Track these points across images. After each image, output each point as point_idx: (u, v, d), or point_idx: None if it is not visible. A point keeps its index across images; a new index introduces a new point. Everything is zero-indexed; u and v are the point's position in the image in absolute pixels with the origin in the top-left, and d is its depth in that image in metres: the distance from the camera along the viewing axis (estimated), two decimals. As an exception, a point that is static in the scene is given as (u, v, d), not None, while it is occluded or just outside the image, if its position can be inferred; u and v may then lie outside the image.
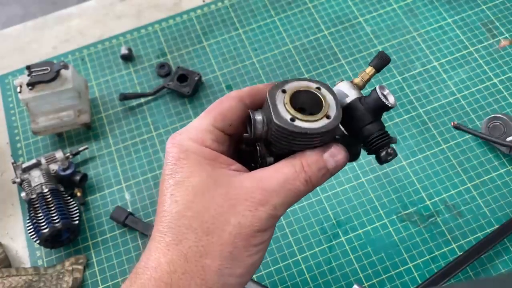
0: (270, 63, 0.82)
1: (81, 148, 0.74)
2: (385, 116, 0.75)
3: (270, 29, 0.85)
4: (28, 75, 0.72)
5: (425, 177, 0.70)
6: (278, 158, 0.40)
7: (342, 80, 0.43)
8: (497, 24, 0.82)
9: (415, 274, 0.64)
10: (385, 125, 0.75)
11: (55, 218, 0.65)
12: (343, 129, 0.41)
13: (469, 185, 0.69)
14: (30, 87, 0.71)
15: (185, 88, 0.78)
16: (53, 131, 0.76)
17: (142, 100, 0.80)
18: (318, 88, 0.40)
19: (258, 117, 0.39)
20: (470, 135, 0.72)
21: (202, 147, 0.40)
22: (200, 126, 0.41)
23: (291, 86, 0.40)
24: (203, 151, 0.40)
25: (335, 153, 0.40)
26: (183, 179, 0.39)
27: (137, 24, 0.88)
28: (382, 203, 0.68)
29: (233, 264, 0.38)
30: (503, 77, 0.77)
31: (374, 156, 0.42)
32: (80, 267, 0.67)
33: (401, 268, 0.64)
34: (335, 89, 0.42)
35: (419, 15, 0.84)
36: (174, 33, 0.86)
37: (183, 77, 0.79)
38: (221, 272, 0.37)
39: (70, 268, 0.67)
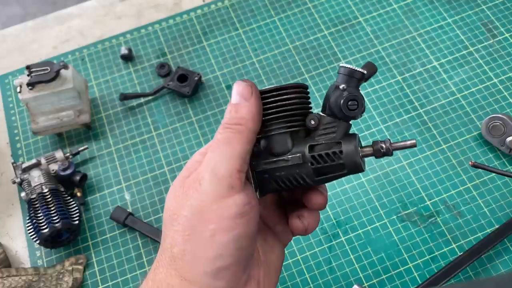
0: (270, 63, 0.82)
1: (81, 148, 0.74)
2: (385, 116, 0.75)
3: (270, 29, 0.85)
4: (28, 75, 0.72)
5: (425, 177, 0.70)
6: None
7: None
8: (497, 24, 0.82)
9: (415, 274, 0.64)
10: (385, 125, 0.75)
11: (55, 218, 0.65)
12: (324, 114, 0.41)
13: (469, 185, 0.69)
14: (30, 87, 0.71)
15: (185, 88, 0.78)
16: (53, 131, 0.76)
17: (142, 100, 0.80)
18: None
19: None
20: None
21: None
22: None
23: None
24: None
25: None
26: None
27: (137, 24, 0.88)
28: (382, 203, 0.68)
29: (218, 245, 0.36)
30: (503, 77, 0.77)
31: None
32: (80, 267, 0.67)
33: (401, 268, 0.64)
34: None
35: (419, 15, 0.84)
36: (174, 33, 0.86)
37: (183, 77, 0.79)
38: (214, 259, 0.36)
39: (70, 268, 0.67)
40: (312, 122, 0.40)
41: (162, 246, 0.38)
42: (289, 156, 0.39)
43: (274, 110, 0.40)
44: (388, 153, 0.40)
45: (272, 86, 0.41)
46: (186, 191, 0.37)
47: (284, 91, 0.40)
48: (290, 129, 0.40)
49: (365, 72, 0.40)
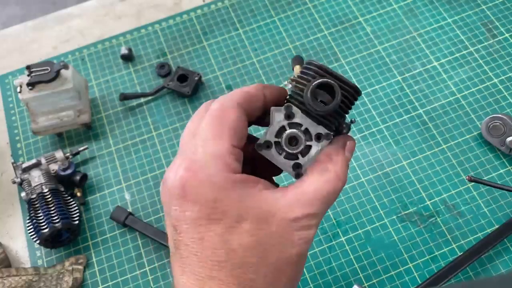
0: (270, 63, 0.82)
1: (81, 148, 0.74)
2: (385, 116, 0.75)
3: (270, 29, 0.85)
4: (28, 75, 0.72)
5: (425, 177, 0.70)
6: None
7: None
8: (497, 24, 0.82)
9: (415, 274, 0.64)
10: (385, 125, 0.75)
11: (55, 218, 0.65)
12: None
13: (469, 185, 0.69)
14: (30, 87, 0.71)
15: (185, 88, 0.78)
16: (53, 131, 0.76)
17: (142, 100, 0.80)
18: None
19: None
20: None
21: (230, 175, 0.35)
22: (221, 151, 0.36)
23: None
24: (234, 181, 0.36)
25: (351, 147, 0.40)
26: (233, 224, 0.35)
27: (137, 24, 0.88)
28: (382, 203, 0.68)
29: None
30: (503, 77, 0.77)
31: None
32: (80, 267, 0.67)
33: (401, 268, 0.64)
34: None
35: (419, 15, 0.84)
36: (174, 33, 0.86)
37: (183, 77, 0.79)
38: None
39: (70, 268, 0.67)
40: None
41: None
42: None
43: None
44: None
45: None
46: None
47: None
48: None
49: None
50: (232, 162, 0.36)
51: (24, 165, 0.71)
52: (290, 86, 0.40)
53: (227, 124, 0.37)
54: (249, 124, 0.40)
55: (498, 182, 0.68)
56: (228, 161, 0.36)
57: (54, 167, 0.71)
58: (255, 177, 0.37)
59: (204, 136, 0.37)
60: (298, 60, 0.43)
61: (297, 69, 0.44)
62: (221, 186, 0.35)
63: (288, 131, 0.38)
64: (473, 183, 0.68)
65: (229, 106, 0.37)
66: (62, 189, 0.69)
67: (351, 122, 0.42)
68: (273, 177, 0.44)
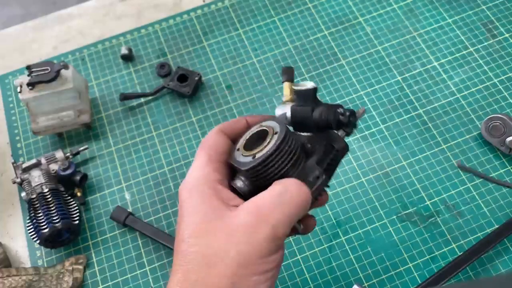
0: (270, 63, 0.82)
1: (81, 148, 0.74)
2: (385, 116, 0.75)
3: (270, 29, 0.85)
4: (28, 75, 0.72)
5: (425, 177, 0.70)
6: None
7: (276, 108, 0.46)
8: (497, 24, 0.82)
9: (415, 274, 0.64)
10: (385, 125, 0.75)
11: (55, 218, 0.65)
12: (305, 134, 0.44)
13: (469, 185, 0.69)
14: (30, 87, 0.71)
15: (185, 88, 0.78)
16: (53, 131, 0.76)
17: (142, 100, 0.80)
18: (260, 126, 0.44)
19: (239, 183, 0.42)
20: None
21: (205, 181, 0.41)
22: (200, 163, 0.43)
23: (241, 140, 0.44)
24: (206, 185, 0.41)
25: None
26: (189, 218, 0.40)
27: (137, 24, 0.88)
28: (382, 203, 0.68)
29: None
30: (503, 77, 0.77)
31: (347, 134, 0.44)
32: (80, 267, 0.67)
33: (401, 268, 0.64)
34: (277, 116, 0.46)
35: (419, 15, 0.84)
36: (174, 33, 0.86)
37: (183, 77, 0.79)
38: None
39: (70, 268, 0.67)
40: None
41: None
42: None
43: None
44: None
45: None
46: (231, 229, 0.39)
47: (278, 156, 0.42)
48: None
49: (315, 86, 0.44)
50: (208, 172, 0.42)
51: (24, 165, 0.71)
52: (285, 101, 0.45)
53: (206, 146, 0.44)
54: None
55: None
56: (203, 171, 0.42)
57: (54, 167, 0.71)
58: (229, 193, 0.42)
59: (194, 159, 0.45)
60: (288, 73, 0.46)
61: (287, 86, 0.46)
62: (188, 188, 0.42)
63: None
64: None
65: (211, 133, 0.45)
66: (62, 189, 0.69)
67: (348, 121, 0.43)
68: None
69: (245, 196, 0.42)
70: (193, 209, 0.40)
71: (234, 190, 0.42)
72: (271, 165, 0.41)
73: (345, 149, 0.44)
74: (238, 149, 0.43)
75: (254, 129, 0.44)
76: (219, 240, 0.38)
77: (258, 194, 0.40)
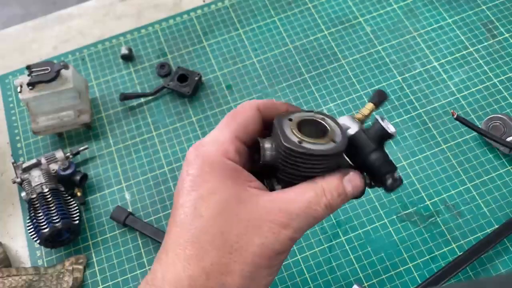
0: (270, 63, 0.82)
1: (81, 148, 0.74)
2: (385, 116, 0.75)
3: (270, 29, 0.85)
4: (28, 75, 0.72)
5: (425, 177, 0.70)
6: (287, 186, 0.41)
7: (343, 115, 0.44)
8: (497, 24, 0.82)
9: (415, 274, 0.64)
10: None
11: (55, 218, 0.65)
12: (348, 159, 0.42)
13: (469, 185, 0.69)
14: (30, 87, 0.71)
15: (185, 88, 0.78)
16: (53, 131, 0.76)
17: (142, 100, 0.80)
18: (323, 118, 0.42)
19: (267, 143, 0.40)
20: (470, 136, 0.72)
21: (226, 160, 0.39)
22: (223, 137, 0.40)
23: (297, 116, 0.41)
24: (227, 165, 0.39)
25: (353, 179, 0.41)
26: (208, 194, 0.38)
27: (137, 24, 0.88)
28: (382, 203, 0.68)
29: (252, 284, 0.38)
30: (503, 77, 0.77)
31: (381, 187, 0.42)
32: (80, 267, 0.67)
33: (401, 268, 0.64)
34: (339, 122, 0.43)
35: (419, 15, 0.84)
36: (174, 33, 0.86)
37: (183, 77, 0.79)
38: None
39: (70, 268, 0.67)
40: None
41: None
42: None
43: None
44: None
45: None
46: None
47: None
48: None
49: (394, 134, 0.42)
50: (229, 150, 0.40)
51: (24, 165, 0.71)
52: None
53: (237, 119, 0.41)
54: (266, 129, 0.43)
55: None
56: (227, 147, 0.40)
57: (54, 167, 0.71)
58: (249, 174, 0.40)
59: (216, 127, 0.42)
60: (379, 97, 0.44)
61: (369, 108, 0.44)
62: (209, 161, 0.39)
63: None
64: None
65: (246, 106, 0.42)
66: (62, 189, 0.69)
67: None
68: None
69: (258, 167, 0.40)
70: (212, 185, 0.38)
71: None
72: (310, 164, 0.39)
73: (361, 194, 0.43)
74: (290, 119, 0.41)
75: (310, 116, 0.42)
76: (242, 227, 0.37)
77: (288, 192, 0.39)
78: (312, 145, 0.39)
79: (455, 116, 0.60)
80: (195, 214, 0.38)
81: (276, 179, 0.41)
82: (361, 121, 0.44)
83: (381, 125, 0.41)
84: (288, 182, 0.41)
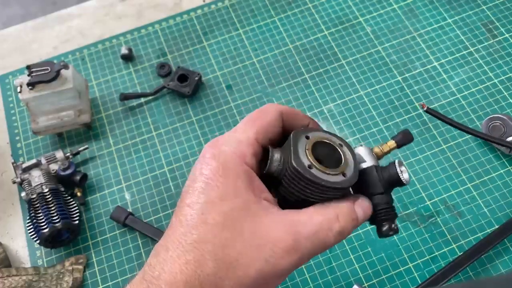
0: (270, 63, 0.82)
1: (81, 148, 0.74)
2: (385, 116, 0.75)
3: (270, 29, 0.85)
4: (28, 75, 0.72)
5: (425, 177, 0.70)
6: (284, 200, 0.40)
7: (361, 145, 0.43)
8: (497, 24, 0.82)
9: (415, 274, 0.64)
10: (386, 125, 0.75)
11: (55, 218, 0.65)
12: (351, 191, 0.41)
13: (469, 185, 0.69)
14: (30, 87, 0.71)
15: (185, 88, 0.78)
16: (53, 131, 0.76)
17: (142, 100, 0.80)
18: (340, 145, 0.41)
19: (277, 154, 0.39)
20: (470, 136, 0.72)
21: (242, 164, 0.38)
22: (243, 137, 0.39)
23: (315, 135, 0.40)
24: (242, 170, 0.38)
25: (364, 205, 0.40)
26: (217, 201, 0.37)
27: (137, 24, 0.88)
28: (382, 203, 0.68)
29: None
30: (503, 77, 0.77)
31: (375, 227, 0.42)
32: (80, 267, 0.67)
33: (401, 268, 0.64)
34: (355, 151, 0.42)
35: (419, 15, 0.84)
36: (174, 33, 0.86)
37: (183, 77, 0.79)
38: None
39: (70, 268, 0.67)
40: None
41: None
42: None
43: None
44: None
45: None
46: None
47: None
48: None
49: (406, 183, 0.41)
50: (247, 153, 0.38)
51: (24, 165, 0.71)
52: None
53: (260, 120, 0.40)
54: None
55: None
56: (245, 149, 0.38)
57: (54, 167, 0.71)
58: (261, 184, 0.39)
59: (236, 126, 0.40)
60: (404, 137, 0.42)
61: (391, 145, 0.43)
62: (224, 164, 0.37)
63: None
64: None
65: (271, 109, 0.40)
66: (62, 189, 0.69)
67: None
68: None
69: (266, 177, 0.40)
70: (223, 191, 0.37)
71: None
72: (313, 191, 0.38)
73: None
74: (308, 137, 0.39)
75: (328, 139, 0.41)
76: (245, 245, 0.36)
77: (298, 213, 0.38)
78: (321, 174, 0.38)
79: (425, 109, 0.57)
80: (201, 219, 0.36)
81: (275, 192, 0.40)
82: (378, 157, 0.42)
83: (396, 170, 0.40)
84: (286, 199, 0.40)
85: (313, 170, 0.37)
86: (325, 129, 0.43)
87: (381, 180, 0.40)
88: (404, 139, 0.42)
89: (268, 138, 0.40)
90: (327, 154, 0.40)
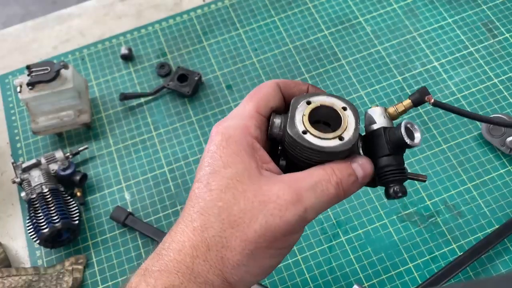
0: (270, 63, 0.82)
1: (81, 148, 0.74)
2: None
3: (270, 29, 0.85)
4: (28, 75, 0.72)
5: (425, 177, 0.70)
6: (290, 163, 0.41)
7: (377, 105, 0.42)
8: (497, 24, 0.82)
9: (415, 274, 0.64)
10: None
11: (55, 218, 0.65)
12: (361, 152, 0.41)
13: (469, 185, 0.69)
14: (30, 87, 0.71)
15: (185, 88, 0.78)
16: (53, 131, 0.76)
17: (142, 100, 0.80)
18: (344, 108, 0.41)
19: (277, 120, 0.41)
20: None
21: (245, 134, 0.40)
22: (244, 111, 0.41)
23: (318, 99, 0.41)
24: (245, 139, 0.40)
25: (362, 163, 0.40)
26: (220, 169, 0.39)
27: (137, 24, 0.88)
28: (382, 203, 0.68)
29: (252, 263, 0.38)
30: (503, 77, 0.77)
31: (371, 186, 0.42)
32: (80, 267, 0.67)
33: (401, 268, 0.64)
34: (367, 112, 0.42)
35: (419, 15, 0.84)
36: (174, 33, 0.86)
37: (183, 77, 0.79)
38: (239, 268, 0.37)
39: (70, 268, 0.67)
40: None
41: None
42: None
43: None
44: None
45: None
46: None
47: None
48: None
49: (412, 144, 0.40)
50: (250, 125, 0.40)
51: (24, 165, 0.71)
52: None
53: (258, 94, 0.42)
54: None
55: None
56: (247, 122, 0.40)
57: (54, 167, 0.71)
58: (265, 155, 0.40)
59: (242, 102, 0.43)
60: (421, 94, 0.41)
61: (406, 105, 0.42)
62: (227, 136, 0.40)
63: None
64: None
65: (267, 83, 0.43)
66: (62, 189, 0.69)
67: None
68: None
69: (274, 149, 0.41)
70: (226, 160, 0.39)
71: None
72: (311, 155, 0.39)
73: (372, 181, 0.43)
74: (309, 102, 0.40)
75: (330, 103, 0.40)
76: (248, 203, 0.37)
77: (297, 173, 0.39)
78: (315, 139, 0.38)
79: (432, 101, 0.56)
80: (206, 188, 0.38)
81: (283, 154, 0.42)
82: (392, 117, 0.42)
83: (401, 132, 0.39)
84: (293, 162, 0.41)
85: (307, 136, 0.39)
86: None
87: (388, 142, 0.40)
88: (420, 95, 0.41)
89: (269, 108, 0.42)
90: (329, 116, 0.41)
